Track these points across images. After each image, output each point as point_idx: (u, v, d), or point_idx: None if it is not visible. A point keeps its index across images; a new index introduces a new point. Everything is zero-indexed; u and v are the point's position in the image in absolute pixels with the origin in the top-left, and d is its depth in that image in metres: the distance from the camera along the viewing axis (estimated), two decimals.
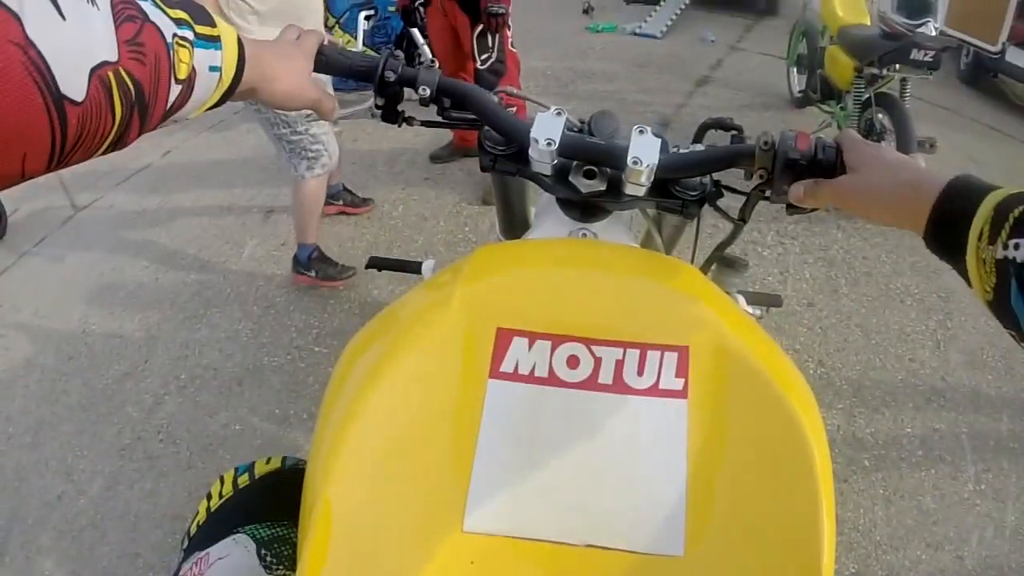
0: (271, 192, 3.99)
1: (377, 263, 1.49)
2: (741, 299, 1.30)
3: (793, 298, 3.04)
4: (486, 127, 0.96)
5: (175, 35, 0.58)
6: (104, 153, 0.56)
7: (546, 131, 0.87)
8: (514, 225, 1.35)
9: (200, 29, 0.64)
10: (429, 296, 0.85)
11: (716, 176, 0.96)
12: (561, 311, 0.75)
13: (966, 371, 2.69)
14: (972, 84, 5.97)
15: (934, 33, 3.37)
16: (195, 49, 0.62)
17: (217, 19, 0.69)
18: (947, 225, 0.63)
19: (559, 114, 0.90)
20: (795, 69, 5.12)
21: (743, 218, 0.98)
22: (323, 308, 3.09)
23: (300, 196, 2.98)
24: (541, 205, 1.16)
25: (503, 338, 0.72)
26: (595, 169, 0.91)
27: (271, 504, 0.87)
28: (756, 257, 3.31)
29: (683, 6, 8.47)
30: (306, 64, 0.88)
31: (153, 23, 0.54)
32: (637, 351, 0.72)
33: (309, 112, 2.39)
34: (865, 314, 2.99)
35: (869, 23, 3.95)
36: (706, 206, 0.97)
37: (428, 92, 0.93)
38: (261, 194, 4.02)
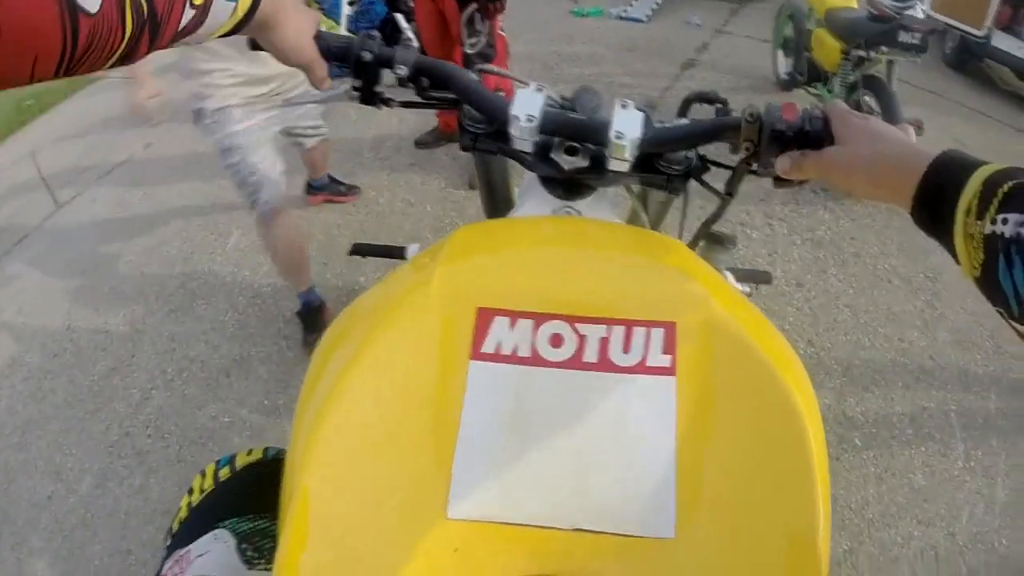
0: None
1: (361, 249, 1.46)
2: (730, 276, 1.28)
3: (782, 279, 3.03)
4: (466, 106, 0.94)
5: None
6: (112, 66, 0.56)
7: (526, 107, 0.85)
8: (497, 206, 1.34)
9: None
10: (408, 278, 0.83)
11: (701, 150, 0.94)
12: (544, 289, 0.73)
13: (954, 350, 2.70)
14: (958, 68, 5.95)
15: (921, 16, 3.35)
16: None
17: None
18: (934, 200, 0.62)
19: (539, 90, 0.88)
20: (781, 52, 5.08)
21: (730, 192, 0.96)
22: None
23: (262, 238, 2.58)
24: (524, 184, 1.14)
25: (484, 318, 0.70)
26: (577, 145, 0.88)
27: (253, 497, 0.86)
28: (744, 239, 3.29)
29: None
30: (312, 26, 0.88)
31: None
32: (623, 328, 0.70)
33: (237, 145, 2.30)
34: (853, 294, 2.99)
35: (856, 5, 3.93)
36: (692, 181, 0.95)
37: (405, 71, 0.92)
38: None
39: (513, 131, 0.86)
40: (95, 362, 2.87)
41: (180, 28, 0.60)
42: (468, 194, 3.72)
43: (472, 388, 0.68)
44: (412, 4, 3.75)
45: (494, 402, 0.68)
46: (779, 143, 0.79)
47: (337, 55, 0.92)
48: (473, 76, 0.94)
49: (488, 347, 0.69)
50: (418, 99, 0.98)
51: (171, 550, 0.83)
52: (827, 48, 3.90)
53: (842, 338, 2.75)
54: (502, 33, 3.58)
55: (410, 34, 3.32)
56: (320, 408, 0.70)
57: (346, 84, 0.97)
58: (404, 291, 0.77)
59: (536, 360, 0.69)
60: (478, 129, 0.95)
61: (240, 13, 0.71)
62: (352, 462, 0.68)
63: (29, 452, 2.54)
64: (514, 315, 0.70)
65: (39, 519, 2.30)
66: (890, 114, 3.29)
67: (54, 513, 2.30)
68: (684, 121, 0.92)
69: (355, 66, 0.92)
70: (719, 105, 0.96)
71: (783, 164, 0.77)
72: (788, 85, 4.83)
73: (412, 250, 1.34)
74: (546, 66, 5.83)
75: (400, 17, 4.10)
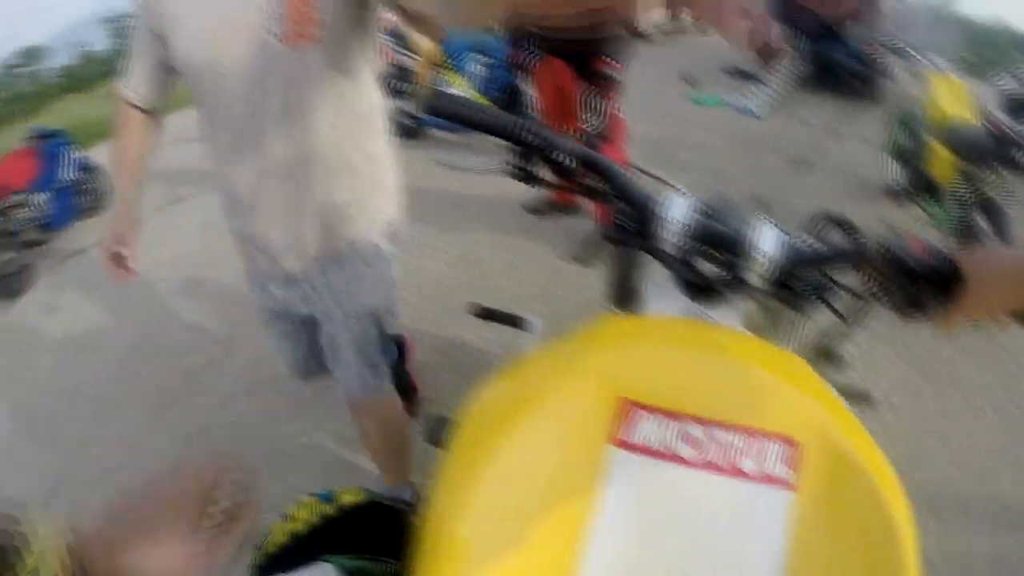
0: None
1: (482, 312, 1.51)
2: (833, 391, 1.31)
3: (877, 399, 2.92)
4: (616, 199, 0.99)
5: None
6: None
7: (677, 212, 0.91)
8: (626, 297, 1.37)
9: None
10: (558, 359, 0.89)
11: (830, 272, 0.99)
12: (682, 389, 0.77)
13: None
14: None
15: None
16: None
17: None
18: None
19: (690, 198, 0.94)
20: (893, 159, 4.96)
21: (854, 318, 1.01)
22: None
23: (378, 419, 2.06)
24: (657, 281, 1.17)
25: (626, 408, 0.75)
26: (718, 254, 0.93)
27: (356, 536, 0.91)
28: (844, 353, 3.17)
29: (786, 86, 8.50)
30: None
31: None
32: (752, 437, 0.74)
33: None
34: (947, 423, 2.85)
35: (974, 120, 3.83)
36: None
37: (568, 160, 0.97)
38: None
39: (661, 232, 0.92)
40: (187, 355, 2.99)
41: None
42: (574, 268, 3.74)
43: (610, 473, 0.74)
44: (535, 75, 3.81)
45: (630, 490, 0.73)
46: (908, 276, 0.84)
47: (502, 133, 0.97)
48: (626, 172, 1.00)
49: (629, 437, 0.75)
50: (572, 186, 1.04)
51: (265, 571, 0.88)
52: (942, 162, 3.81)
53: (929, 467, 2.61)
54: (620, 115, 3.64)
55: (534, 102, 3.30)
56: (474, 464, 0.76)
57: (506, 160, 1.03)
58: (555, 371, 0.84)
59: (671, 456, 0.74)
60: (627, 224, 0.98)
61: None
62: (500, 522, 0.73)
63: (105, 425, 2.65)
64: (654, 410, 0.75)
65: (100, 483, 2.38)
66: (1003, 237, 3.19)
67: (118, 482, 2.32)
68: (820, 244, 0.96)
69: (521, 148, 0.97)
70: (850, 230, 1.03)
71: (952, 321, 0.82)
72: (898, 196, 4.74)
73: (535, 324, 1.39)
74: (662, 151, 5.91)
75: (524, 86, 4.25)
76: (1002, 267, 0.76)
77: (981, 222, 3.47)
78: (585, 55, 3.31)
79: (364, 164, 1.63)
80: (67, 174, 4.77)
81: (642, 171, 1.21)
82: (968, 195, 3.57)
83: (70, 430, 2.69)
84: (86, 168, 4.98)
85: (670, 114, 7.29)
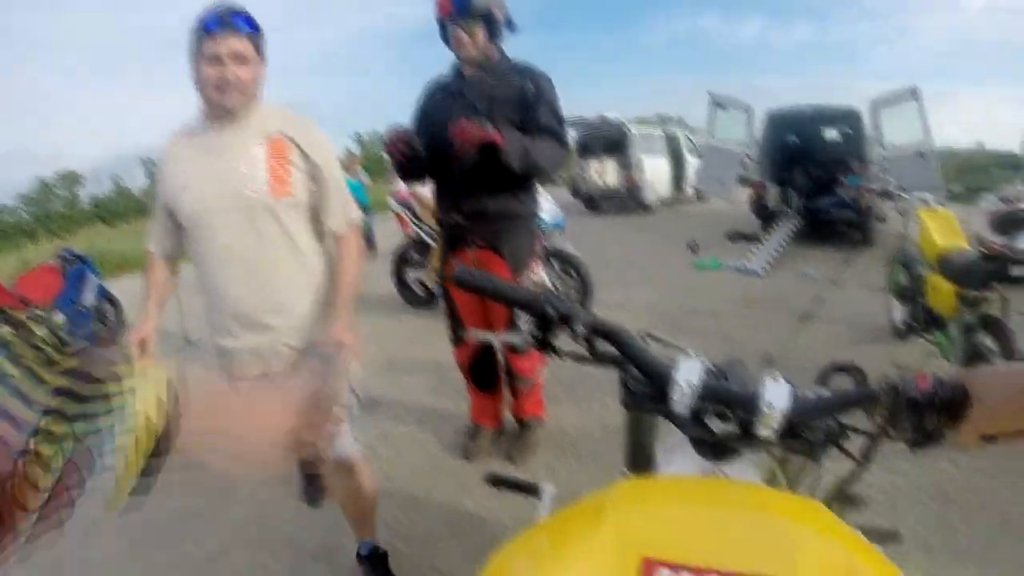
0: None
1: (497, 480, 1.51)
2: (859, 534, 1.27)
3: (906, 538, 2.74)
4: (629, 366, 1.04)
5: (33, 437, 0.52)
6: None
7: (688, 375, 0.95)
8: (641, 460, 1.39)
9: (87, 394, 0.57)
10: (575, 523, 0.87)
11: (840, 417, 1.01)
12: (704, 546, 0.76)
13: None
14: None
15: None
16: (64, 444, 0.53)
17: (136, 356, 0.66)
18: None
19: (699, 359, 0.99)
20: (896, 300, 5.03)
21: (867, 458, 1.00)
22: (414, 508, 3.00)
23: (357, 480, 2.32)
24: (671, 443, 1.18)
25: (649, 568, 0.73)
26: (728, 412, 0.96)
27: None
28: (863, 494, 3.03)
29: (783, 243, 8.80)
30: (288, 417, 0.74)
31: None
32: None
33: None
34: (981, 552, 2.67)
35: (967, 246, 3.94)
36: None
37: (583, 331, 1.04)
38: None
39: (674, 395, 0.95)
40: (179, 497, 2.89)
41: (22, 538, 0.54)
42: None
43: None
44: None
45: None
46: (915, 411, 0.87)
47: (523, 306, 1.07)
48: (638, 340, 1.07)
49: None
50: (587, 355, 1.08)
51: None
52: (942, 293, 3.85)
53: None
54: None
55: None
56: None
57: (525, 331, 1.10)
58: (574, 536, 0.82)
59: None
60: (639, 389, 1.03)
61: (136, 461, 0.59)
62: None
63: (86, 552, 2.57)
64: (678, 568, 0.73)
65: None
66: (1008, 351, 3.15)
67: None
68: (826, 392, 0.99)
69: (539, 319, 1.05)
70: (857, 374, 1.05)
71: (966, 439, 0.83)
72: (905, 334, 4.73)
73: (548, 491, 1.39)
74: (668, 318, 6.06)
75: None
76: (1008, 380, 0.77)
77: (989, 344, 3.43)
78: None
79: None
80: (88, 299, 4.85)
81: (653, 337, 1.26)
82: (971, 320, 3.57)
83: (47, 553, 2.57)
84: (108, 298, 5.09)
85: (675, 282, 7.51)
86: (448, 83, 3.03)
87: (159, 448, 0.60)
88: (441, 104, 3.00)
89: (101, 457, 0.56)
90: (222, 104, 1.91)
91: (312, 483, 2.43)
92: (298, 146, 2.01)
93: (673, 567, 0.71)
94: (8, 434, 0.49)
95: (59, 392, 0.53)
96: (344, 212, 2.13)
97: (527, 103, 2.85)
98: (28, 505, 0.51)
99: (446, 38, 2.92)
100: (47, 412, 0.52)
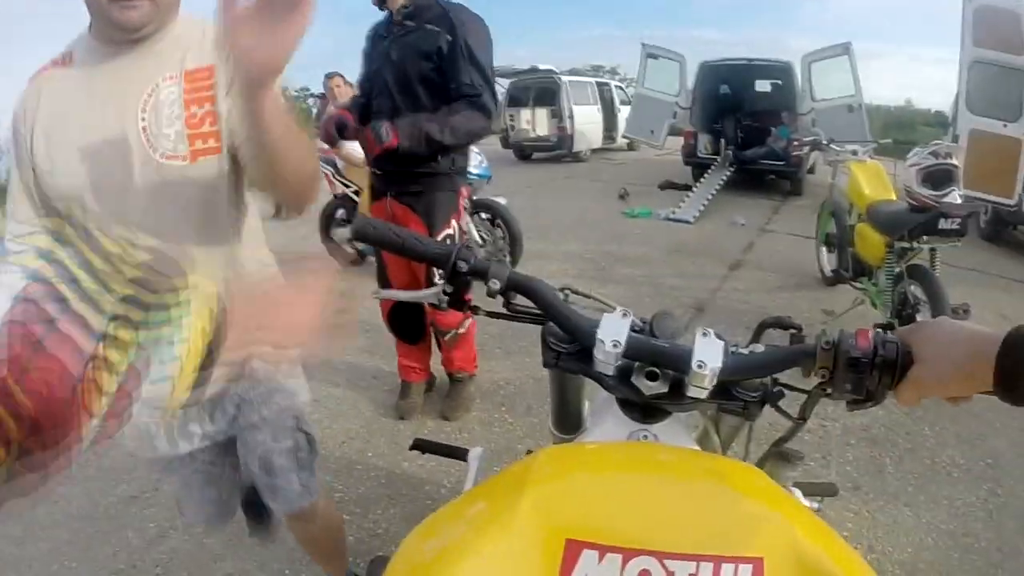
0: None
1: (422, 446, 1.48)
2: (797, 492, 1.25)
3: (838, 482, 2.82)
4: (551, 323, 0.98)
5: (101, 342, 0.53)
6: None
7: (612, 332, 0.88)
8: (568, 421, 1.35)
9: (151, 302, 0.57)
10: (495, 498, 0.83)
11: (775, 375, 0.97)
12: (631, 522, 0.71)
13: (1021, 538, 2.43)
14: (994, 240, 6.11)
15: (959, 201, 3.40)
16: (131, 354, 0.55)
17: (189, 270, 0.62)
18: (1014, 376, 0.67)
19: (624, 315, 0.92)
20: (825, 248, 5.18)
21: (803, 416, 0.97)
22: (349, 472, 2.93)
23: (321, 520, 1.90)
24: (598, 403, 1.16)
25: (572, 550, 0.68)
26: (657, 371, 0.90)
27: None
28: (797, 442, 3.10)
29: (714, 192, 8.92)
30: (317, 307, 0.81)
31: (67, 327, 0.52)
32: (711, 564, 0.67)
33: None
34: (913, 492, 2.73)
35: (895, 198, 4.02)
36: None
37: (498, 285, 0.97)
38: None
39: (598, 354, 0.88)
40: (117, 483, 2.77)
41: (87, 443, 0.55)
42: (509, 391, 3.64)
43: None
44: None
45: None
46: (854, 369, 0.82)
47: (434, 260, 1.00)
48: (559, 294, 1.00)
49: None
50: (504, 311, 1.03)
51: None
52: (870, 242, 3.94)
53: (904, 540, 2.46)
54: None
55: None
56: None
57: (437, 288, 1.03)
58: (492, 512, 0.77)
59: None
60: (561, 348, 0.97)
61: (191, 369, 0.61)
62: None
63: (26, 550, 2.42)
64: (603, 549, 0.68)
65: None
66: (937, 301, 3.22)
67: None
68: (761, 348, 0.95)
69: (450, 274, 0.99)
70: (793, 331, 1.01)
71: (907, 398, 0.81)
72: (833, 281, 4.87)
73: (475, 453, 1.35)
74: (598, 265, 6.03)
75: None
76: (951, 338, 0.77)
77: (917, 293, 3.52)
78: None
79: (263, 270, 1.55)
80: None
81: (575, 292, 1.19)
82: (899, 269, 3.66)
83: None
84: None
85: (605, 229, 7.51)
86: (381, 32, 2.90)
87: (208, 359, 0.62)
88: (372, 55, 2.90)
89: (162, 364, 0.58)
90: (126, 20, 1.21)
91: (258, 519, 1.93)
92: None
93: (599, 548, 0.68)
94: (80, 339, 0.51)
95: (125, 300, 0.55)
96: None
97: (451, 58, 2.70)
98: (93, 409, 0.52)
99: None
100: (114, 318, 0.54)
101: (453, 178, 2.97)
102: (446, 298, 1.02)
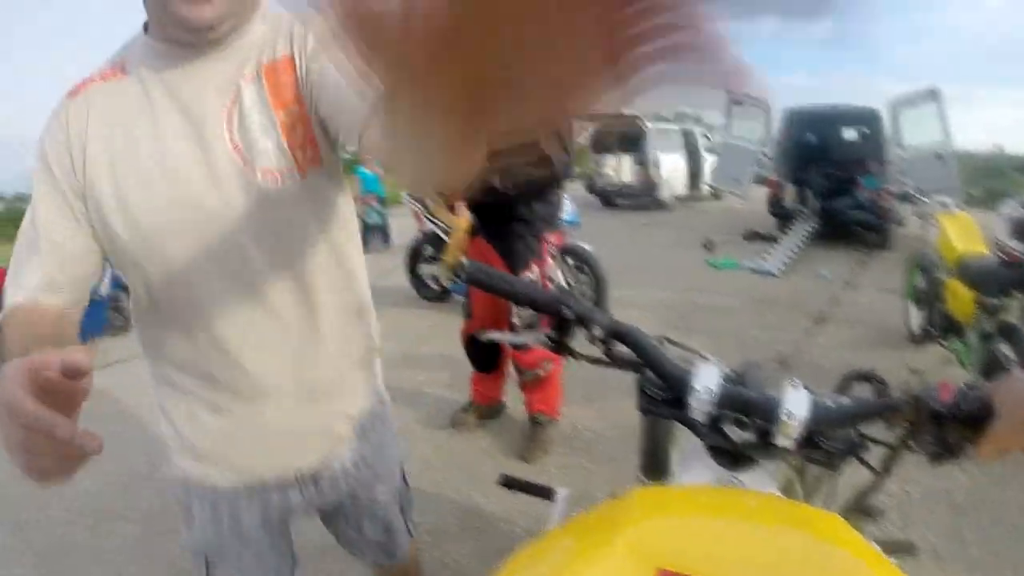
0: None
1: (510, 482, 1.48)
2: (875, 547, 1.27)
3: (918, 548, 2.71)
4: (647, 371, 1.02)
5: None
6: None
7: (706, 381, 0.93)
8: (657, 468, 1.39)
9: None
10: (590, 532, 0.87)
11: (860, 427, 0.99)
12: (719, 559, 0.75)
13: None
14: None
15: None
16: None
17: None
18: None
19: (716, 365, 0.97)
20: (913, 304, 4.99)
21: (887, 469, 0.99)
22: (424, 501, 2.85)
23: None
24: (688, 450, 1.17)
25: None
26: (746, 419, 0.93)
27: None
28: (876, 501, 3.00)
29: (800, 243, 8.73)
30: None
31: None
32: None
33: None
34: (995, 562, 2.63)
35: (986, 251, 3.89)
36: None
37: (600, 332, 1.02)
38: None
39: (692, 402, 0.92)
40: None
41: None
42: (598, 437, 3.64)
43: None
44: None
45: None
46: (937, 422, 0.84)
47: (542, 308, 1.05)
48: (655, 343, 1.03)
49: None
50: (603, 357, 1.06)
51: None
52: (960, 299, 3.81)
53: None
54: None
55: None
56: None
57: (541, 332, 1.07)
58: (588, 545, 0.80)
59: None
60: (656, 395, 1.00)
61: None
62: None
63: (99, 540, 2.60)
64: None
65: None
66: None
67: None
68: (847, 401, 0.96)
69: (557, 320, 1.03)
70: (878, 384, 1.03)
71: (987, 452, 0.81)
72: (921, 339, 4.70)
73: (562, 494, 1.37)
74: (680, 315, 6.00)
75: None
76: None
77: (1006, 351, 3.39)
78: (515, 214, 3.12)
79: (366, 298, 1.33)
80: (104, 288, 4.83)
81: (670, 341, 1.23)
82: (990, 327, 3.54)
83: (65, 539, 2.66)
84: (123, 287, 5.09)
85: (689, 279, 7.46)
86: None
87: None
88: None
89: None
90: (197, 18, 0.96)
91: None
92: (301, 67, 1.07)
93: None
94: None
95: None
96: None
97: None
98: None
99: None
100: None
101: (535, 224, 3.11)
102: (551, 343, 1.06)
